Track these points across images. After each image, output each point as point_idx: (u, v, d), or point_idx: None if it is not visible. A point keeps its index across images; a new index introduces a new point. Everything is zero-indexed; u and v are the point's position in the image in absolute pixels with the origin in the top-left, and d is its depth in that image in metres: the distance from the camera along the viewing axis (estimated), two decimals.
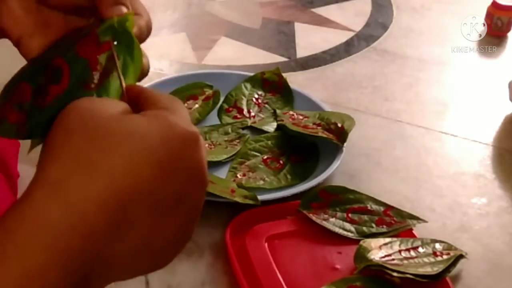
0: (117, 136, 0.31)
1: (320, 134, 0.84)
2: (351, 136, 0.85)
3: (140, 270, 0.33)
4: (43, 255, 0.29)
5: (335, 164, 0.82)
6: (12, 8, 0.41)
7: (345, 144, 0.84)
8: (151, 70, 0.44)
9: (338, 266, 0.70)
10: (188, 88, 0.95)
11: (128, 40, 0.39)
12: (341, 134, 0.85)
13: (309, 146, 0.86)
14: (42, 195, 0.31)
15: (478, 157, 0.91)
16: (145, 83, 0.87)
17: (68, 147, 0.32)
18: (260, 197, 0.75)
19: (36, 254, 0.29)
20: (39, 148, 0.36)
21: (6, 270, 0.29)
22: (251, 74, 0.99)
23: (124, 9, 0.40)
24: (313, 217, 0.74)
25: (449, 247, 0.71)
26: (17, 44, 0.41)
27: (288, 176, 0.82)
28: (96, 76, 0.38)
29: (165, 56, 1.12)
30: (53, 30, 0.41)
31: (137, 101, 0.37)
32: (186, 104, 0.93)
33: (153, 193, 0.31)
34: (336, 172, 0.83)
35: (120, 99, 0.38)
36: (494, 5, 1.20)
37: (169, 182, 0.31)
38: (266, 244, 0.70)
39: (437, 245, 0.71)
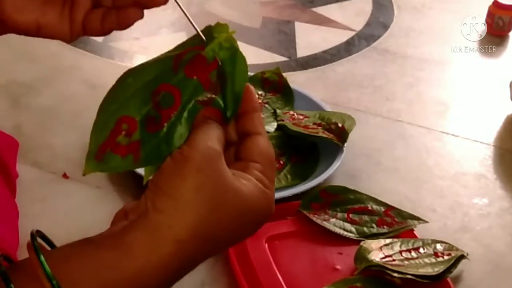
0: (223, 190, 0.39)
1: (320, 134, 0.84)
2: (351, 136, 0.85)
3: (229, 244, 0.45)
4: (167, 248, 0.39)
5: (336, 164, 0.81)
6: (14, 2, 0.42)
7: (345, 144, 0.84)
8: None
9: (338, 267, 0.70)
10: None
11: (233, 51, 0.41)
12: (342, 134, 0.84)
13: (310, 146, 0.86)
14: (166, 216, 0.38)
15: (479, 157, 0.91)
16: None
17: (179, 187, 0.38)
18: None
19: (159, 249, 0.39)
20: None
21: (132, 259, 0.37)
22: (251, 74, 0.98)
23: None
24: (314, 218, 0.74)
25: (450, 248, 0.71)
26: (38, 30, 0.43)
27: (289, 176, 0.81)
28: (210, 93, 0.40)
29: None
30: None
31: (245, 125, 0.42)
32: None
33: (230, 230, 0.42)
34: (337, 172, 0.82)
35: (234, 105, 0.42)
36: (496, 4, 1.20)
37: (242, 228, 0.44)
38: (266, 245, 0.70)
39: (438, 246, 0.71)
